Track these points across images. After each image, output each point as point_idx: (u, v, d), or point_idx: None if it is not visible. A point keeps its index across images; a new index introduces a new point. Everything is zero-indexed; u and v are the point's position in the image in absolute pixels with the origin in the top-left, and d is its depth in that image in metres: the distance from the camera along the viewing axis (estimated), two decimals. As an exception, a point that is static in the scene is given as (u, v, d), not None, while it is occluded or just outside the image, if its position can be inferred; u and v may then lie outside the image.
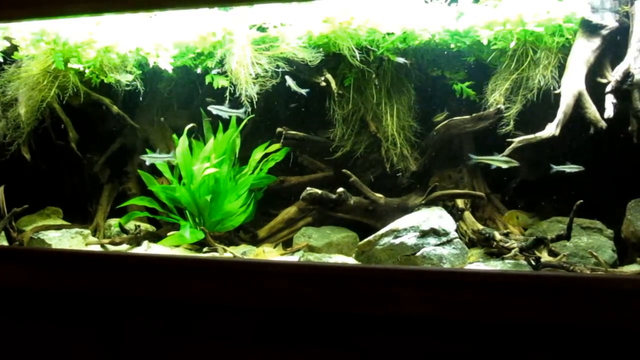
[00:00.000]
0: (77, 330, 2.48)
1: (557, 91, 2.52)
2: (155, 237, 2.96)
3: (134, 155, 3.32)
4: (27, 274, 2.48)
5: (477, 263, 2.42)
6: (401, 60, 2.71)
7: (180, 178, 3.05)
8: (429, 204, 2.68)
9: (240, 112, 2.82)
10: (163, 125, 3.28)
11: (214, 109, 2.84)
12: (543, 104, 2.57)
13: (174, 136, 3.10)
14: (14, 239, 2.79)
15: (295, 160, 3.08)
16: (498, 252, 2.47)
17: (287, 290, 2.13)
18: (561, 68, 2.57)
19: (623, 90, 2.37)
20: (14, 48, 2.98)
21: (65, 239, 2.89)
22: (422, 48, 2.78)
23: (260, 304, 2.17)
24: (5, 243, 2.82)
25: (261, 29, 2.81)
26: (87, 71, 2.94)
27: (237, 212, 3.01)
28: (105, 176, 3.34)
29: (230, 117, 2.89)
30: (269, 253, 2.79)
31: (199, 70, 2.92)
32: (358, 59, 2.71)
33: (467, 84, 2.73)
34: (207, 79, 2.89)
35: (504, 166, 2.53)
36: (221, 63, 2.81)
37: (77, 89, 2.97)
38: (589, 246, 2.42)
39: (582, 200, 2.25)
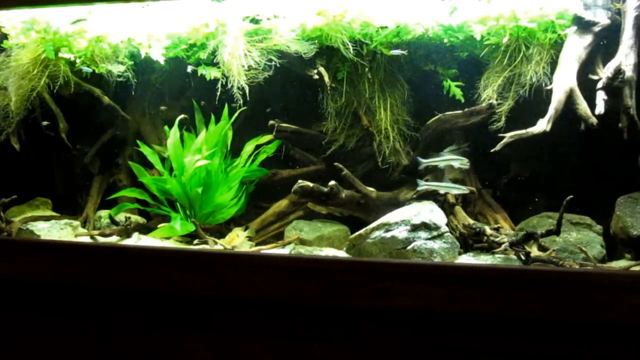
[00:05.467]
0: (66, 322, 2.47)
1: (548, 87, 2.53)
2: (145, 229, 2.95)
3: (125, 147, 3.31)
4: (16, 265, 2.47)
5: (467, 257, 2.44)
6: (397, 52, 2.70)
7: (171, 170, 3.03)
8: (420, 198, 2.69)
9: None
10: (154, 116, 3.26)
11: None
12: (535, 100, 2.58)
13: (166, 128, 3.09)
14: (3, 230, 2.77)
15: (287, 153, 3.08)
16: (488, 247, 2.48)
17: (277, 283, 2.14)
18: (553, 64, 2.58)
19: (614, 87, 2.38)
20: (4, 36, 2.95)
21: (55, 230, 2.87)
22: (415, 42, 2.77)
23: (250, 297, 2.17)
24: (-7, 234, 2.80)
25: (254, 20, 2.80)
26: (78, 61, 2.91)
27: (229, 204, 3.00)
28: (96, 167, 3.31)
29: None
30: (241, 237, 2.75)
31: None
32: (351, 52, 2.71)
33: (456, 83, 2.73)
34: (199, 70, 2.88)
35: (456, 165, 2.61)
36: (213, 54, 2.80)
37: (68, 78, 2.94)
38: (578, 241, 2.44)
39: (572, 196, 2.26)
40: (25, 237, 2.81)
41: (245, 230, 2.93)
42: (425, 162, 2.67)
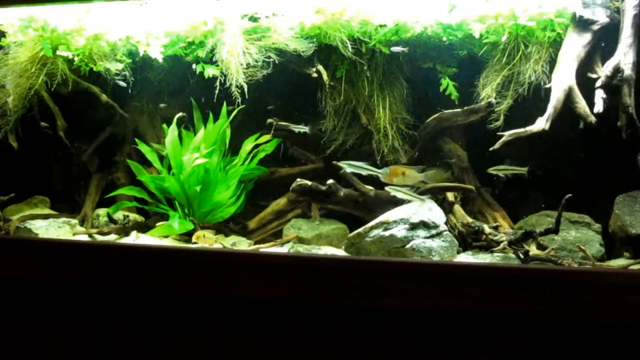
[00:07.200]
0: (65, 321, 2.47)
1: (547, 85, 2.53)
2: (143, 228, 2.94)
3: (123, 145, 3.30)
4: (13, 264, 2.46)
5: (465, 255, 2.44)
6: (397, 49, 2.70)
7: (169, 168, 3.03)
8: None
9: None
10: (153, 114, 3.25)
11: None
12: (534, 99, 2.58)
13: (164, 126, 3.08)
14: (1, 228, 2.76)
15: (286, 151, 3.07)
16: (487, 246, 2.48)
17: (275, 281, 2.13)
18: (552, 63, 2.58)
19: (613, 85, 2.37)
20: (2, 34, 2.94)
21: (53, 228, 2.87)
22: (414, 40, 2.77)
23: (249, 295, 2.17)
24: (-9, 232, 2.80)
25: (253, 18, 2.80)
26: (76, 59, 2.91)
27: (227, 203, 2.99)
28: (94, 165, 3.31)
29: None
30: (209, 239, 2.74)
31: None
32: (350, 50, 2.70)
33: (453, 83, 2.73)
34: (198, 68, 2.88)
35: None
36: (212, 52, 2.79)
37: (66, 76, 2.94)
38: (577, 240, 2.44)
39: (570, 195, 2.25)
40: (23, 235, 2.80)
41: (243, 228, 2.93)
42: None
